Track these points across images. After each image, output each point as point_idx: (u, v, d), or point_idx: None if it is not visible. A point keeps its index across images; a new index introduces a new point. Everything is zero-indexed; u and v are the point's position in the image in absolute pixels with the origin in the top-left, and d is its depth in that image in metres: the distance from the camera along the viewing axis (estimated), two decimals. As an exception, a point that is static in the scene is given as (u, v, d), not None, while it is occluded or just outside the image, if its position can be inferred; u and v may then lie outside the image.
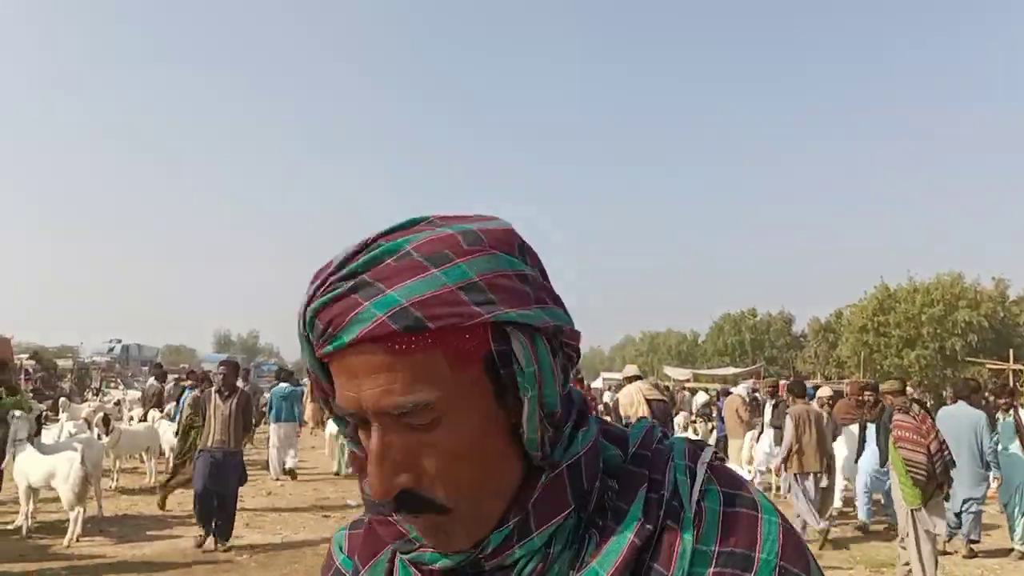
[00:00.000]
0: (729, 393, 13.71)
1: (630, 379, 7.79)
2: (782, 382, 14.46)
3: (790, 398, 8.91)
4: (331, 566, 0.81)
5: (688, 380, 32.09)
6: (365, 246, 0.64)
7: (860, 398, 10.05)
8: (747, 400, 12.75)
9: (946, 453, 6.33)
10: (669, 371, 38.41)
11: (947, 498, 6.66)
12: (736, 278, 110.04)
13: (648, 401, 7.25)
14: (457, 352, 0.62)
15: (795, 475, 7.97)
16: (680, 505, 0.67)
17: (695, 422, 15.42)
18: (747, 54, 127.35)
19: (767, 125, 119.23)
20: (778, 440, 9.55)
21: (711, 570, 0.65)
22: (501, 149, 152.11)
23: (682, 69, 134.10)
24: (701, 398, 18.91)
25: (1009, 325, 39.83)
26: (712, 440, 14.05)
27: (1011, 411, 8.60)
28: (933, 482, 6.24)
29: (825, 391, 11.04)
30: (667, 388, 27.65)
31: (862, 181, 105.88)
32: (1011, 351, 25.84)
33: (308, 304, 0.63)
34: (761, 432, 11.49)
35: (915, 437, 6.29)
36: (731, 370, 38.36)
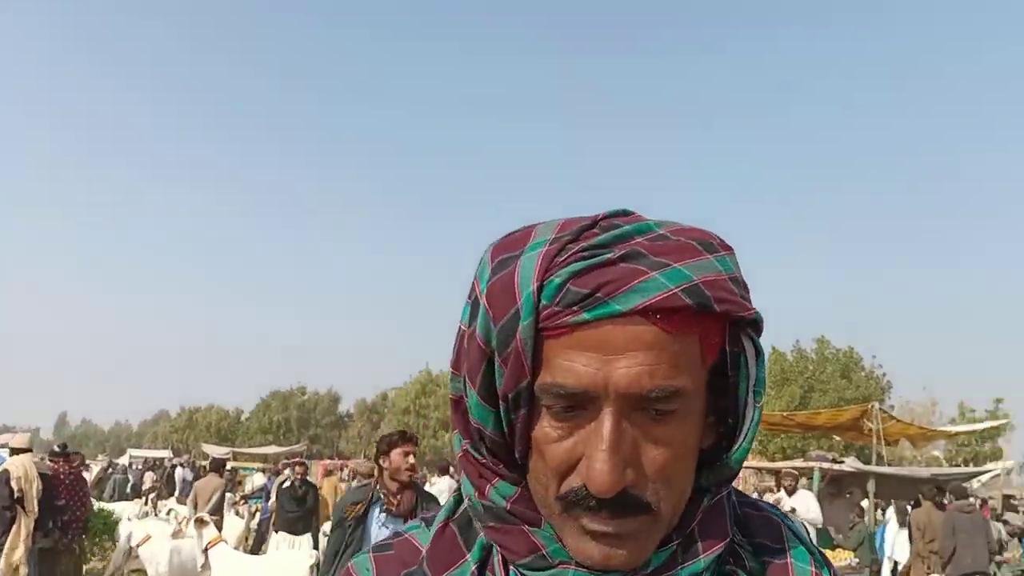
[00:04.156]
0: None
1: (17, 451, 8.22)
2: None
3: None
4: None
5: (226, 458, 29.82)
6: (595, 223, 0.60)
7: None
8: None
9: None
10: (207, 448, 35.85)
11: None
12: (287, 355, 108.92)
13: (40, 474, 7.94)
14: (708, 343, 0.59)
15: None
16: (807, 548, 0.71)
17: (244, 502, 14.21)
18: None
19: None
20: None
21: None
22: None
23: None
24: (259, 479, 17.66)
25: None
26: (255, 523, 13.05)
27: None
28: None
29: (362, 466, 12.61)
30: (199, 464, 25.82)
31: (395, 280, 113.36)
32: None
33: (549, 267, 0.57)
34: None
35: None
36: (273, 449, 37.16)
